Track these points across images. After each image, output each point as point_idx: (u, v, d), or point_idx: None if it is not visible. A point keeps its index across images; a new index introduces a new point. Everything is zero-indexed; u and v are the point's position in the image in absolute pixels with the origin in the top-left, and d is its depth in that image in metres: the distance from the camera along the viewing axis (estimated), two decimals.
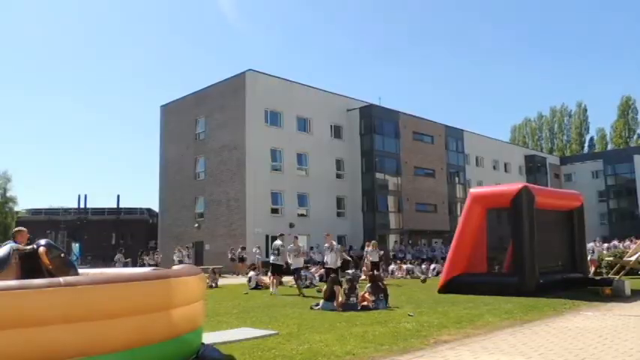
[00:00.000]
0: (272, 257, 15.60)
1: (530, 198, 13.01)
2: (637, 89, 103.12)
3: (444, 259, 19.93)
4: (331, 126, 36.22)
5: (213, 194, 33.16)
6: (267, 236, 31.10)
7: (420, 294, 13.76)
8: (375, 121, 36.57)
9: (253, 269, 19.52)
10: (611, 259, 16.99)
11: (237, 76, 32.85)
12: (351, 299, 10.57)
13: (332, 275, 12.36)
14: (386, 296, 10.85)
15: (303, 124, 34.74)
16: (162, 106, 39.01)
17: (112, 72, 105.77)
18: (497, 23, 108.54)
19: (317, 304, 10.86)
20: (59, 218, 59.11)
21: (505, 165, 52.12)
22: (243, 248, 27.34)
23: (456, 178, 43.76)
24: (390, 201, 36.85)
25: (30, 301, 4.16)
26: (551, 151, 70.37)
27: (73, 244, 29.47)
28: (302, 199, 33.84)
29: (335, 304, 10.47)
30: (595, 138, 73.42)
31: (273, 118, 33.12)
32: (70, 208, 59.54)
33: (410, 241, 36.35)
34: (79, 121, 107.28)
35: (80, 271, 6.53)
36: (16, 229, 8.41)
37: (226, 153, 32.58)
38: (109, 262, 48.72)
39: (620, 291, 12.29)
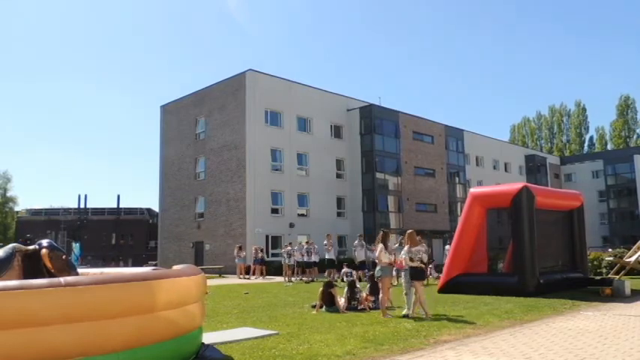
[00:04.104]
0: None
1: (530, 198, 13.01)
2: (636, 88, 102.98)
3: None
4: (331, 126, 36.20)
5: (213, 194, 33.14)
6: (267, 236, 31.11)
7: None
8: (375, 121, 36.53)
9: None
10: (611, 259, 17.00)
11: (237, 76, 32.82)
12: (352, 304, 10.56)
13: (326, 280, 12.30)
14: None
15: (303, 124, 34.71)
16: (162, 106, 38.97)
17: (112, 72, 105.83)
18: (496, 23, 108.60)
19: (315, 305, 10.86)
20: (59, 218, 59.10)
21: (505, 165, 52.09)
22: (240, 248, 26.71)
23: (456, 178, 43.72)
24: (390, 201, 36.82)
25: (30, 301, 4.16)
26: (550, 151, 70.33)
27: (73, 244, 29.37)
28: (302, 199, 33.82)
29: (339, 308, 10.40)
30: (594, 138, 73.46)
31: (273, 118, 33.09)
32: (70, 208, 59.56)
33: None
34: (79, 121, 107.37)
35: (80, 270, 6.52)
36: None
37: (226, 153, 32.56)
38: (109, 261, 48.80)
39: (620, 291, 12.30)
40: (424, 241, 13.08)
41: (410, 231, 10.13)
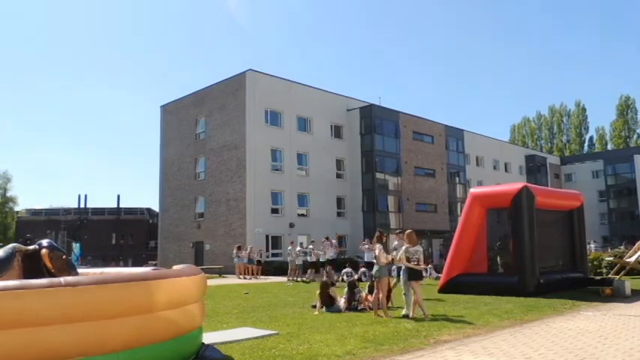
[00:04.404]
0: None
1: (531, 198, 13.01)
2: (636, 88, 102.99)
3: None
4: (331, 126, 36.18)
5: (213, 194, 33.13)
6: (267, 236, 31.11)
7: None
8: (375, 121, 36.52)
9: None
10: (611, 259, 16.98)
11: (237, 75, 32.80)
12: (353, 304, 10.55)
13: (323, 280, 12.23)
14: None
15: (303, 124, 34.69)
16: (162, 106, 38.96)
17: (112, 72, 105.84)
18: (496, 23, 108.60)
19: (316, 305, 10.85)
20: (59, 218, 59.07)
21: (505, 165, 52.09)
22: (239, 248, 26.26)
23: (456, 178, 43.70)
24: (390, 201, 36.80)
25: (30, 301, 4.16)
26: (550, 151, 70.33)
27: (73, 244, 29.42)
28: (302, 199, 33.80)
29: (342, 307, 10.39)
30: (594, 138, 73.45)
31: (273, 118, 33.08)
32: (70, 208, 59.53)
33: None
34: (79, 121, 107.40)
35: (80, 271, 6.51)
36: None
37: (226, 153, 32.55)
38: (109, 261, 48.79)
39: (620, 291, 12.29)
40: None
41: (409, 231, 10.10)
